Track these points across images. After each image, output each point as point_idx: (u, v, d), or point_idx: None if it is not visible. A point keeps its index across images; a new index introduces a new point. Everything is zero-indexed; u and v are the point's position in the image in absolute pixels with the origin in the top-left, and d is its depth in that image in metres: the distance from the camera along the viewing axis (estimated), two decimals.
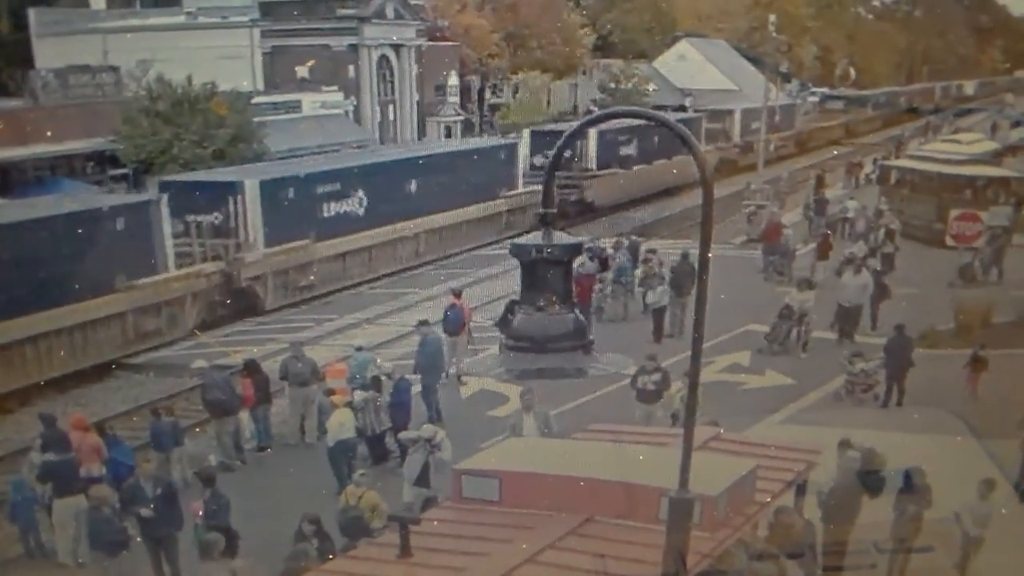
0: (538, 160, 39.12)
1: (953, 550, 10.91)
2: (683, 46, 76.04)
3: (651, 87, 65.85)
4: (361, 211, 31.34)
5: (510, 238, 31.95)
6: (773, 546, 9.07)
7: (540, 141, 40.79)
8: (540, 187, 5.88)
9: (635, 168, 45.72)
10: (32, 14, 45.95)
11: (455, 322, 20.45)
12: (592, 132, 40.54)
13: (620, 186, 44.13)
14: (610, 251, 26.06)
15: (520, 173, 40.19)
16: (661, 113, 6.36)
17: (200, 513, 12.58)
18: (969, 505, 10.80)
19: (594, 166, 42.90)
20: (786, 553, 8.92)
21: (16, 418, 19.90)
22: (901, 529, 10.56)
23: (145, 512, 12.50)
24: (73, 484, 13.58)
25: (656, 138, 43.75)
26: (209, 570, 10.54)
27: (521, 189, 39.09)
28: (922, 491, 10.81)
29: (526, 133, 43.57)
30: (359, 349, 18.65)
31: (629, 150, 45.56)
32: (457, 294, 21.56)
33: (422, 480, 13.34)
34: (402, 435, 14.71)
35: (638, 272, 24.78)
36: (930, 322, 21.71)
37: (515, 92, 59.92)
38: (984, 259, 27.26)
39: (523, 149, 41.36)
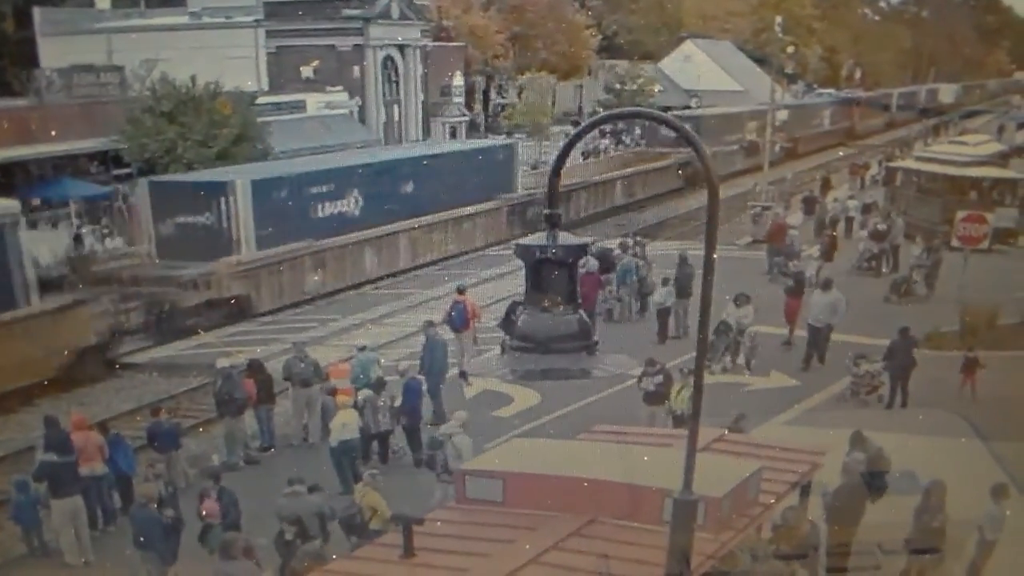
0: None
1: (958, 552, 10.86)
2: (689, 47, 76.05)
3: (657, 88, 65.81)
4: None
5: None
6: (779, 546, 9.04)
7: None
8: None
9: None
10: (37, 13, 45.93)
11: (460, 319, 20.47)
12: None
13: None
14: (616, 252, 25.97)
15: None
16: (668, 115, 6.30)
17: (204, 512, 12.56)
18: (989, 512, 10.70)
19: None
20: (791, 554, 8.89)
21: (19, 418, 19.89)
22: (921, 541, 10.41)
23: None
24: (71, 486, 13.57)
25: None
26: (228, 570, 10.45)
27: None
28: (940, 504, 10.66)
29: None
30: (362, 349, 18.61)
31: None
32: (462, 291, 21.54)
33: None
34: (444, 428, 14.45)
35: (642, 273, 24.69)
36: (933, 323, 21.60)
37: (520, 93, 59.83)
38: (924, 272, 26.46)
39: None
